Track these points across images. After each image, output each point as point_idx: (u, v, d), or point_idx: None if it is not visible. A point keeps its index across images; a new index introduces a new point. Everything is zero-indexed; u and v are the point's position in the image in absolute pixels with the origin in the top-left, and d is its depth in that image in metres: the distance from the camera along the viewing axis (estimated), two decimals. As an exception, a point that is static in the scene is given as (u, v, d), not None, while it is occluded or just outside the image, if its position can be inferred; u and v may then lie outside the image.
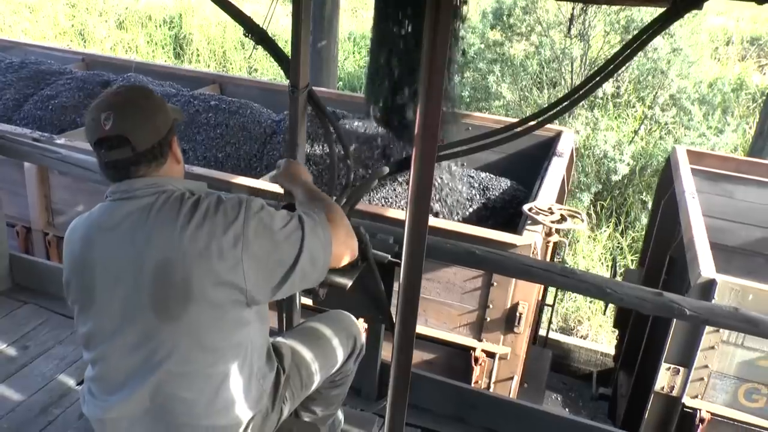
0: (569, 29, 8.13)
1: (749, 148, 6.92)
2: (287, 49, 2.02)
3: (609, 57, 1.63)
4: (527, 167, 4.32)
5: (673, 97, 7.80)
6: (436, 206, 3.79)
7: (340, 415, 2.26)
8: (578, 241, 7.30)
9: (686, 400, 3.03)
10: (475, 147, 1.98)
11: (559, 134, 4.46)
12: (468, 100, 8.44)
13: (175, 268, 1.35)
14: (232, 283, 1.37)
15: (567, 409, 4.84)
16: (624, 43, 1.61)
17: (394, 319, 1.66)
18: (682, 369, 3.01)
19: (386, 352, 2.09)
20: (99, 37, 12.55)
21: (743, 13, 11.67)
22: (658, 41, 7.40)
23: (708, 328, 2.87)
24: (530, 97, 8.51)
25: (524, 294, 3.07)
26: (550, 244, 3.35)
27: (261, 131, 4.51)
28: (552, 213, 3.25)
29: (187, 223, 1.37)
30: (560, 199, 3.96)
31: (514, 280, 3.03)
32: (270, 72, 11.21)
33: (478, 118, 4.81)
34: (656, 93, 7.92)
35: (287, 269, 1.42)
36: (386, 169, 2.08)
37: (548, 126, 3.90)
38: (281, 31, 9.73)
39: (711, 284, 2.80)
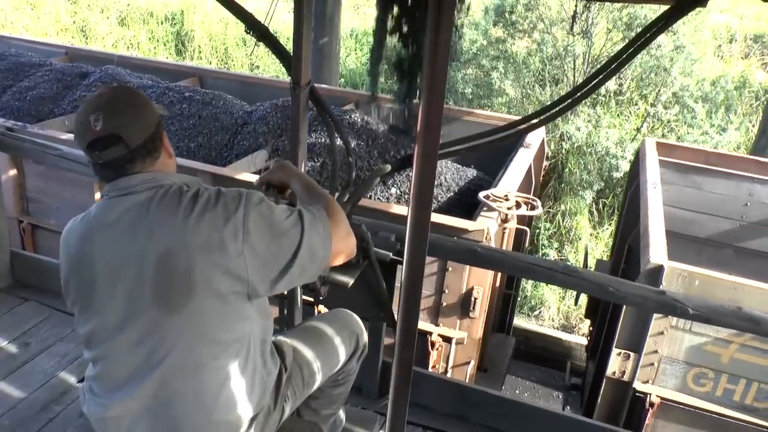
0: (572, 26, 8.10)
1: (752, 146, 6.90)
2: (289, 45, 2.02)
3: (612, 54, 1.63)
4: (496, 158, 4.37)
5: (675, 95, 7.78)
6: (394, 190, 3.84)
7: (342, 413, 2.26)
8: (580, 239, 7.29)
9: (637, 385, 3.04)
10: (477, 145, 1.98)
11: None
12: (471, 97, 8.43)
13: (177, 259, 1.35)
14: (234, 274, 1.37)
15: (569, 408, 4.83)
16: (628, 41, 1.60)
17: (395, 318, 1.66)
18: (632, 354, 3.02)
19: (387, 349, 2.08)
20: (101, 33, 12.53)
21: (747, 11, 11.61)
22: (661, 38, 7.37)
23: (656, 315, 2.88)
24: (533, 95, 8.49)
25: (478, 279, 3.12)
26: (508, 231, 3.39)
27: (232, 122, 4.56)
28: (507, 200, 3.29)
29: (188, 215, 1.37)
30: (527, 189, 4.00)
31: (468, 266, 3.04)
32: (272, 69, 11.20)
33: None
34: (659, 90, 7.90)
35: (286, 262, 1.42)
36: (388, 167, 2.07)
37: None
38: (283, 27, 9.71)
39: (659, 270, 2.82)
